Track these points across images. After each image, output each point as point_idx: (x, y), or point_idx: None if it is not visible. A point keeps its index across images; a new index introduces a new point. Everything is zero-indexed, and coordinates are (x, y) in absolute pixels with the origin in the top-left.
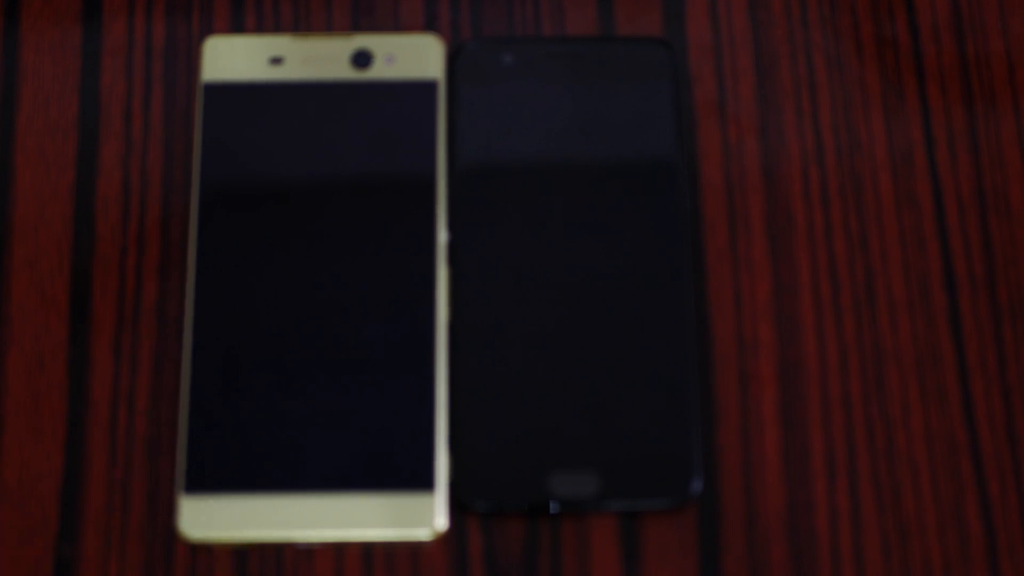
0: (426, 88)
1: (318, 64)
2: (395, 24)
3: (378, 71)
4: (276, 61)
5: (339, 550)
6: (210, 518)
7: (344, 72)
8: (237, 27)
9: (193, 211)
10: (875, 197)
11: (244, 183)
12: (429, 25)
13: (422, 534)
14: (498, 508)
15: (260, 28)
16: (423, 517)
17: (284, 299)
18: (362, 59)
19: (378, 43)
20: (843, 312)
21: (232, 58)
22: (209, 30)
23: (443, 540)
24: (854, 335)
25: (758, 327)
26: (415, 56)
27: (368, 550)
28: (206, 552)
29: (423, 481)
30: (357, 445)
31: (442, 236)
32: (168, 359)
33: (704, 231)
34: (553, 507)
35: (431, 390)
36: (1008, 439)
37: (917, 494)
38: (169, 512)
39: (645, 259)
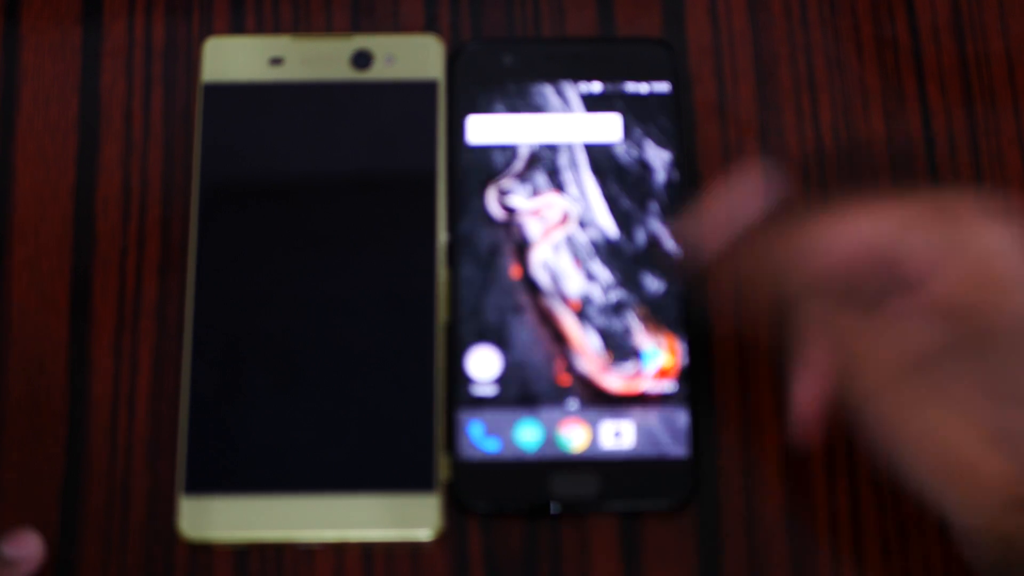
0: (426, 88)
1: (318, 64)
2: (395, 24)
3: (378, 71)
4: (276, 61)
5: (339, 550)
6: (210, 518)
7: (344, 72)
8: (237, 27)
9: (193, 211)
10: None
11: (244, 183)
12: (429, 25)
13: (422, 534)
14: (498, 508)
15: (260, 28)
16: (423, 517)
17: (284, 299)
18: (362, 59)
19: (378, 43)
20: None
21: (232, 58)
22: (209, 30)
23: (443, 540)
24: None
25: (758, 327)
26: (415, 56)
27: (368, 550)
28: (206, 552)
29: (423, 481)
30: (357, 445)
31: (442, 236)
32: (168, 359)
33: None
34: (553, 508)
35: (431, 390)
36: None
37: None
38: (169, 512)
39: None
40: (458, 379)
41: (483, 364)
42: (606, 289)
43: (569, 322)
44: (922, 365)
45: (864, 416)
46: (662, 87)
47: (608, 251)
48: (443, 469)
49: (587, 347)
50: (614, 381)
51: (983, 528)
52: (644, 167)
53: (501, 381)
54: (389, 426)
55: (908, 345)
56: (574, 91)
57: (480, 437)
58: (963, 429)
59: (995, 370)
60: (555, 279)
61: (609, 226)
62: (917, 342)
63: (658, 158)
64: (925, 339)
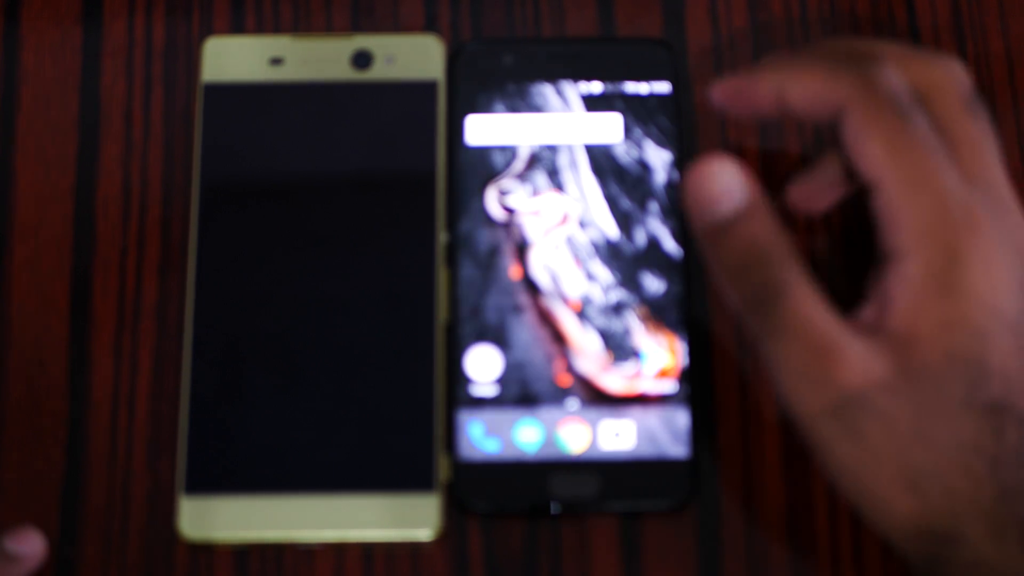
0: (426, 88)
1: (318, 64)
2: (395, 24)
3: (378, 71)
4: (276, 61)
5: (339, 550)
6: (210, 518)
7: (344, 72)
8: (237, 27)
9: (193, 211)
10: None
11: (244, 183)
12: (429, 25)
13: (422, 534)
14: (498, 508)
15: (260, 28)
16: (423, 517)
17: (284, 299)
18: (362, 59)
19: (378, 43)
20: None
21: (232, 58)
22: (209, 30)
23: (443, 540)
24: None
25: None
26: (415, 56)
27: (368, 550)
28: (206, 552)
29: (423, 481)
30: (357, 445)
31: (442, 236)
32: (168, 359)
33: None
34: (553, 508)
35: (431, 390)
36: None
37: None
38: (169, 512)
39: None
40: (458, 379)
41: (483, 364)
42: (606, 289)
43: (569, 322)
44: (856, 400)
45: (799, 431)
46: (662, 87)
47: (608, 251)
48: (443, 469)
49: (587, 347)
50: (614, 381)
51: (896, 547)
52: (644, 167)
53: (501, 381)
54: (389, 426)
55: (848, 378)
56: (574, 91)
57: (480, 437)
58: (876, 468)
59: (915, 412)
60: (555, 279)
61: (609, 226)
62: (861, 374)
63: (658, 158)
64: (872, 370)
